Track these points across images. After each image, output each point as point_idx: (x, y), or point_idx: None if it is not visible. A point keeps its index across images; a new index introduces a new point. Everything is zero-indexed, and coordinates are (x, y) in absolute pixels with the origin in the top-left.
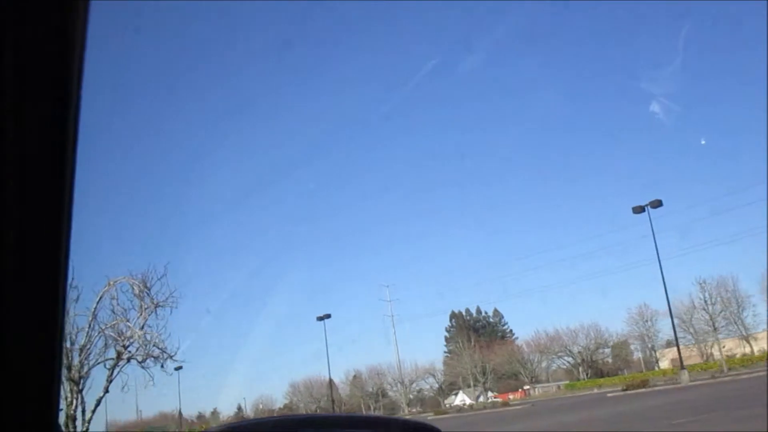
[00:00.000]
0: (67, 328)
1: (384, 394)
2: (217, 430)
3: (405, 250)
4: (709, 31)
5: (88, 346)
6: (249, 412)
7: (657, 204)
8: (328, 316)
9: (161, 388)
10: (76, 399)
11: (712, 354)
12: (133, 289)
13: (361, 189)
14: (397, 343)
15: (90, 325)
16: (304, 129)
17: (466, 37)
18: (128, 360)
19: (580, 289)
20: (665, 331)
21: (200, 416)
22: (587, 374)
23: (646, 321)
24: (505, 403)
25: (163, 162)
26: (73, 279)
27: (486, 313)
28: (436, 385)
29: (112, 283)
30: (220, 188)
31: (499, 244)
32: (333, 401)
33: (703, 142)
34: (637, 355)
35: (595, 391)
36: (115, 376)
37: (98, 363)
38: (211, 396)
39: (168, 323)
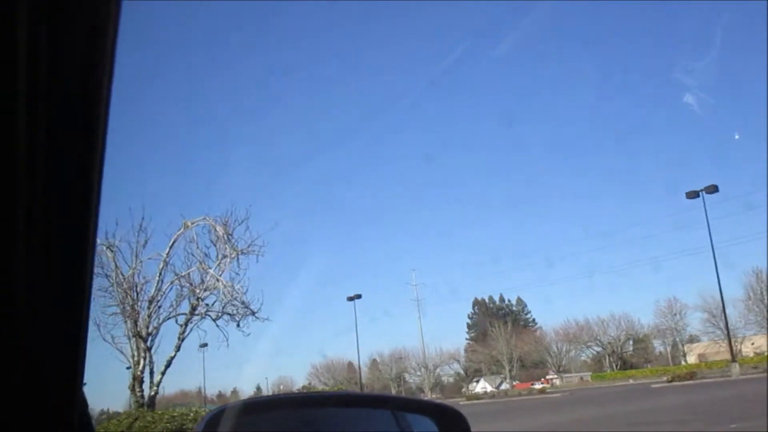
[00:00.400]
0: (132, 277)
1: (404, 379)
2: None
3: (432, 235)
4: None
5: (158, 298)
6: (269, 393)
7: (713, 189)
8: (359, 296)
9: (225, 354)
10: (144, 358)
11: (740, 350)
12: (214, 231)
13: (394, 172)
14: (422, 328)
15: (160, 274)
16: (337, 110)
17: (501, 24)
18: (203, 315)
19: (609, 280)
20: (693, 325)
21: (220, 395)
22: (616, 365)
23: (675, 314)
24: (542, 391)
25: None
26: (116, 225)
27: (509, 301)
28: (460, 371)
29: (190, 224)
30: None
31: (526, 233)
32: (360, 384)
33: (737, 137)
34: (659, 349)
35: (631, 382)
36: (188, 333)
37: (170, 318)
38: (233, 375)
39: (251, 275)
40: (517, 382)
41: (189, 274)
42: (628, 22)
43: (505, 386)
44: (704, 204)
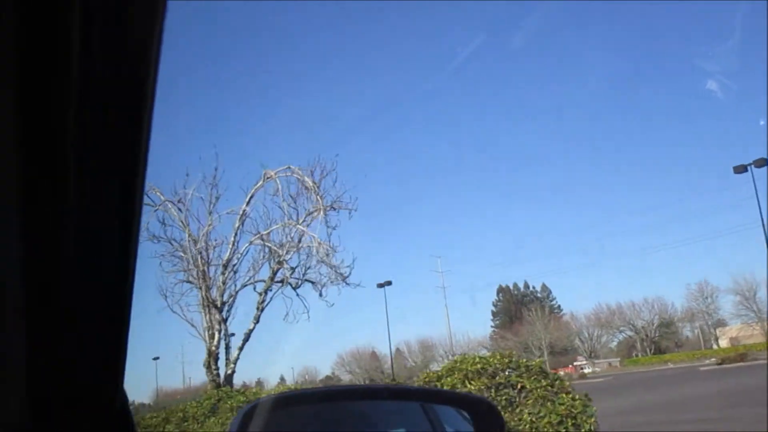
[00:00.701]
0: (205, 237)
1: (430, 368)
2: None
3: (457, 222)
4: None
5: (233, 262)
6: (292, 384)
7: (762, 163)
8: (389, 283)
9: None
10: (219, 331)
11: None
12: (301, 182)
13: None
14: (449, 315)
15: (236, 234)
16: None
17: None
18: (286, 282)
19: (639, 265)
20: (725, 308)
21: (245, 386)
22: (649, 350)
23: (706, 298)
24: (582, 376)
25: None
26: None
27: (534, 287)
28: None
29: (274, 174)
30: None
31: (552, 219)
32: (393, 374)
33: (762, 123)
34: (686, 333)
35: (670, 366)
36: (268, 303)
37: (247, 285)
38: (258, 365)
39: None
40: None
41: (269, 233)
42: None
43: None
44: (753, 178)
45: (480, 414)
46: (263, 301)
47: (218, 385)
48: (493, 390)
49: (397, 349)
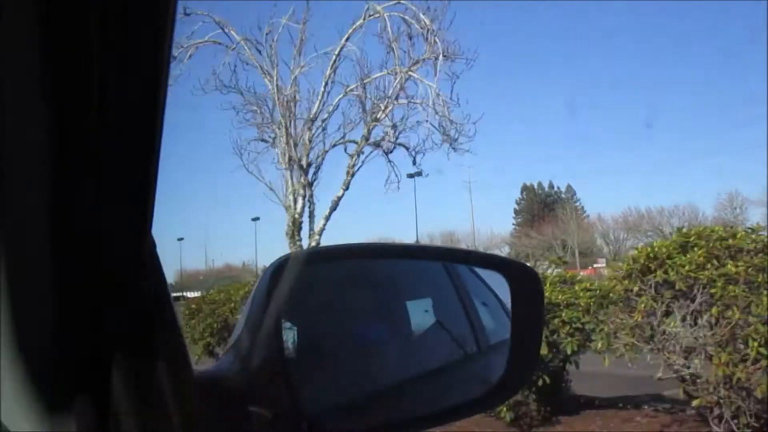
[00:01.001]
0: (286, 88)
1: None
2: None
3: (485, 114)
4: None
5: (323, 117)
6: None
7: None
8: (420, 173)
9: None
10: (304, 196)
11: None
12: (416, 21)
13: None
14: (473, 211)
15: (327, 83)
16: None
17: None
18: (380, 144)
19: (671, 171)
20: (753, 220)
21: (258, 270)
22: None
23: (735, 209)
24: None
25: None
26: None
27: (558, 188)
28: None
29: (381, 9)
30: None
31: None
32: None
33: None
34: None
35: None
36: (359, 168)
37: (337, 144)
38: (341, 238)
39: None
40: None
41: (367, 83)
42: None
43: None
44: None
45: (516, 277)
46: (354, 165)
47: None
48: None
49: (418, 242)
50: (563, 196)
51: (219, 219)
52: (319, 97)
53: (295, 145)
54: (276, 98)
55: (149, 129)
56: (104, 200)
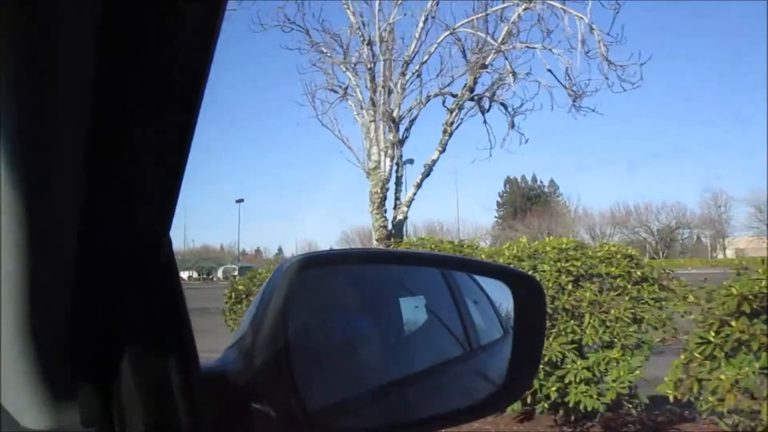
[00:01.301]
0: (353, 28)
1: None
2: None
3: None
4: None
5: (414, 60)
6: (287, 255)
7: None
8: (411, 161)
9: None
10: (392, 157)
11: None
12: None
13: None
14: (459, 202)
15: (427, 19)
16: None
17: None
18: (480, 99)
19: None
20: (737, 218)
21: (244, 253)
22: (662, 253)
23: (720, 207)
24: None
25: None
26: None
27: (541, 182)
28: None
29: None
30: None
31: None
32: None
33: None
34: (704, 240)
35: (692, 270)
36: (459, 125)
37: (435, 96)
38: (264, 235)
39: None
40: None
41: (474, 21)
42: None
43: None
44: None
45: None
46: (452, 123)
47: (389, 234)
48: None
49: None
50: (546, 190)
51: (198, 198)
52: (414, 40)
53: (389, 92)
54: (360, 36)
55: (182, 143)
56: (131, 201)
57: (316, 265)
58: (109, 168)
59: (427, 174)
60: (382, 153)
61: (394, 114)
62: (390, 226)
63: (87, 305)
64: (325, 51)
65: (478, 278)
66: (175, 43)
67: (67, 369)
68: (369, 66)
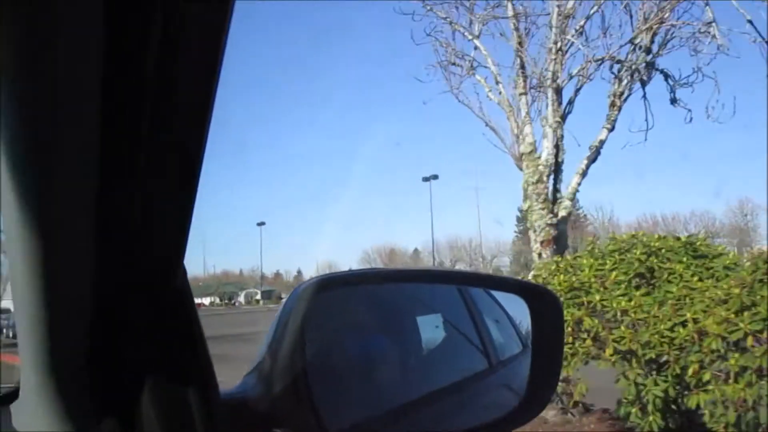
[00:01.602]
0: None
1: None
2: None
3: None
4: None
5: (570, 22)
6: (306, 277)
7: None
8: (435, 176)
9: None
10: (555, 138)
11: None
12: None
13: None
14: (480, 217)
15: None
16: None
17: None
18: (648, 67)
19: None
20: (764, 226)
21: (263, 277)
22: None
23: (746, 215)
24: None
25: None
26: None
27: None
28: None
29: None
30: None
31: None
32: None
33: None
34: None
35: None
36: (629, 96)
37: (602, 60)
38: (283, 257)
39: None
40: None
41: None
42: None
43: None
44: None
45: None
46: (621, 94)
47: (556, 238)
48: None
49: (416, 249)
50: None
51: (218, 224)
52: None
53: (557, 52)
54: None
55: (193, 159)
56: (145, 228)
57: (332, 286)
58: (118, 191)
59: (593, 159)
60: (548, 130)
61: (558, 83)
62: (557, 219)
63: (104, 337)
64: (445, 17)
65: (495, 293)
66: (181, 48)
67: (88, 402)
68: (515, 25)
